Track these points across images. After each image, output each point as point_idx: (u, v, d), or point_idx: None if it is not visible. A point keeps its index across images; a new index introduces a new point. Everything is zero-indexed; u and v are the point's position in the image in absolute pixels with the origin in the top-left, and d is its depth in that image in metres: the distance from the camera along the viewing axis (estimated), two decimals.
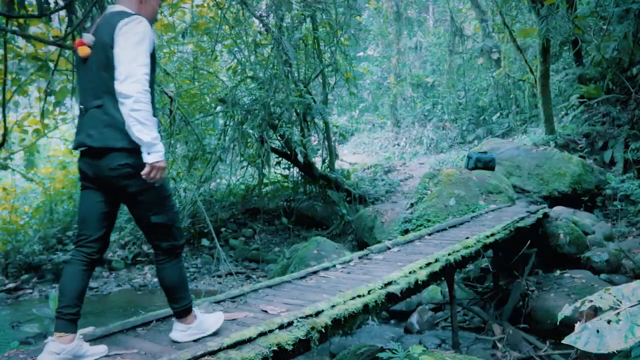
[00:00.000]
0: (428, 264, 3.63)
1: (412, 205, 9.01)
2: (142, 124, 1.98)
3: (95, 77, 2.07)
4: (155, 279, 8.80)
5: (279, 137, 10.93)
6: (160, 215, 2.16)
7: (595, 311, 2.05)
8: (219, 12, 8.55)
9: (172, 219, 2.21)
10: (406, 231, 8.09)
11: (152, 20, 2.26)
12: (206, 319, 2.31)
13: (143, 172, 2.03)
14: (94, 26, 2.14)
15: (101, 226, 2.16)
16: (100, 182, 2.11)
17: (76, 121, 2.30)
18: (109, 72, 2.03)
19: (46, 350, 1.97)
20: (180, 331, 2.23)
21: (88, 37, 2.08)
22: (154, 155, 2.02)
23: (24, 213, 10.47)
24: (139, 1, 2.19)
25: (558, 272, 6.06)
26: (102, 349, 2.12)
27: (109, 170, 2.05)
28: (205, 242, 10.09)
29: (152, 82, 2.13)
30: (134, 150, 2.04)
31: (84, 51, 2.07)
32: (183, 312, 2.23)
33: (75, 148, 2.15)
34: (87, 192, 2.17)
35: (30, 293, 8.17)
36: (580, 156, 9.79)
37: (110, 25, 2.03)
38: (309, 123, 11.12)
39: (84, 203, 2.17)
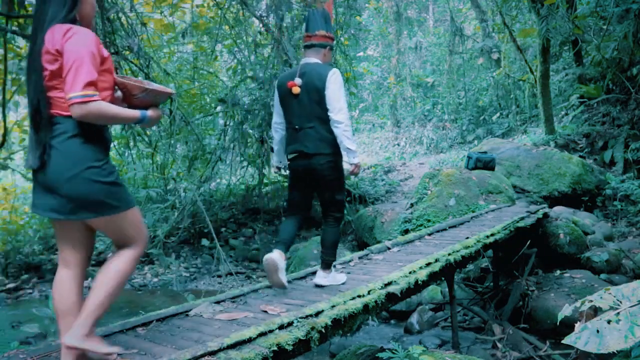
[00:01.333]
0: (428, 264, 3.63)
1: (412, 205, 9.01)
2: (349, 139, 3.06)
3: (308, 108, 3.10)
4: (155, 279, 8.81)
5: None
6: (340, 194, 3.28)
7: (595, 311, 2.05)
8: (219, 12, 8.55)
9: (344, 198, 3.33)
10: (406, 231, 8.09)
11: None
12: (338, 274, 3.32)
13: (351, 170, 3.15)
14: (298, 71, 3.15)
15: (307, 206, 3.38)
16: (308, 174, 3.19)
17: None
18: (320, 106, 3.07)
19: (272, 256, 3.04)
20: (322, 277, 3.23)
21: (298, 81, 3.10)
22: (356, 158, 3.11)
23: (24, 213, 10.46)
24: (324, 55, 3.23)
25: (558, 272, 6.05)
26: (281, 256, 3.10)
27: (319, 165, 3.11)
28: (205, 242, 10.08)
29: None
30: (333, 154, 3.14)
31: (296, 90, 3.10)
32: (327, 264, 3.24)
33: (291, 153, 3.22)
34: (297, 185, 3.31)
35: (30, 293, 8.17)
36: (580, 156, 9.79)
37: (320, 75, 3.07)
38: None
39: (295, 191, 3.34)
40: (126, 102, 2.06)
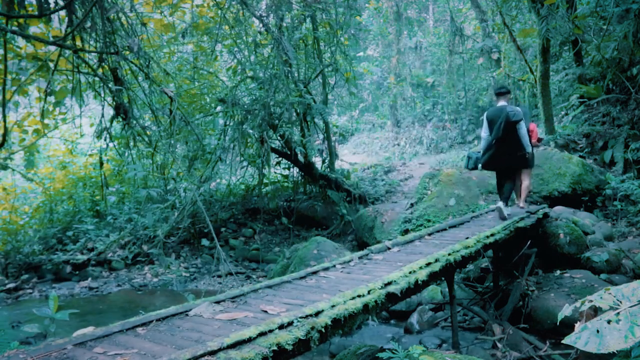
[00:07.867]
0: (428, 264, 3.63)
1: (412, 205, 9.01)
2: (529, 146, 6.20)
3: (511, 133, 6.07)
4: (155, 279, 8.81)
5: (279, 137, 10.93)
6: None
7: (595, 311, 2.05)
8: (219, 12, 8.54)
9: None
10: (406, 231, 8.10)
11: None
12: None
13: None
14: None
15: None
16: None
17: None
18: (519, 129, 5.95)
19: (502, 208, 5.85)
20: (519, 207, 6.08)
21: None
22: None
23: (24, 213, 10.46)
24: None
25: (558, 272, 6.05)
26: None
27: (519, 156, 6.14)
28: (205, 242, 10.09)
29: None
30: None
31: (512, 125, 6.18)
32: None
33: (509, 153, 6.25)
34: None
35: (30, 293, 8.17)
36: (580, 156, 9.78)
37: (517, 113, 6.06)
38: (309, 123, 11.12)
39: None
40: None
